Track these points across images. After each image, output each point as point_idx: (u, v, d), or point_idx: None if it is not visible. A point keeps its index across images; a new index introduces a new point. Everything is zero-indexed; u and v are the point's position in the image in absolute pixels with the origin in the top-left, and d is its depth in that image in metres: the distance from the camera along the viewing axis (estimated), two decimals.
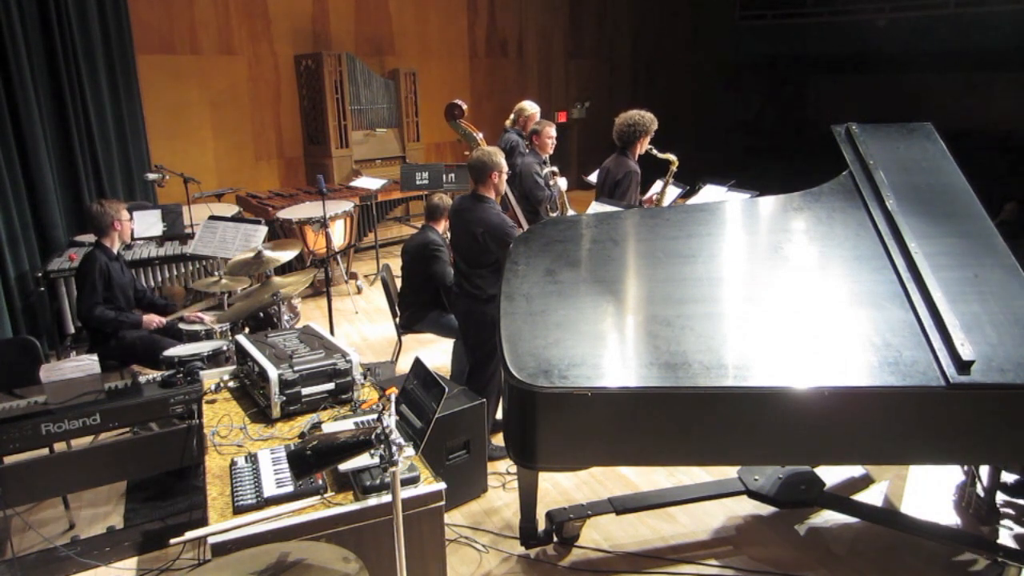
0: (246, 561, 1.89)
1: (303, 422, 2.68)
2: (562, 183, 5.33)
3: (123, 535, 3.27)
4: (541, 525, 3.16)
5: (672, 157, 4.79)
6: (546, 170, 5.23)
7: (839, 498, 3.36)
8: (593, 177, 5.36)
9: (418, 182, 7.23)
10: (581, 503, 3.28)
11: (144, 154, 6.90)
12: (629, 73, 13.07)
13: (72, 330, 5.04)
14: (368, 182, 7.51)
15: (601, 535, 3.27)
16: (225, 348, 3.70)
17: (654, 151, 4.76)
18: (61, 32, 5.81)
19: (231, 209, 6.63)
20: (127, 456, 3.27)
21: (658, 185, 4.94)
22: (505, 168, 3.82)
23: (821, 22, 11.91)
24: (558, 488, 3.65)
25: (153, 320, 4.19)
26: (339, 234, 6.71)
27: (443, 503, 2.29)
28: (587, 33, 12.25)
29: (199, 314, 4.35)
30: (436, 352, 5.21)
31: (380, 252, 7.63)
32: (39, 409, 3.12)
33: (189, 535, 2.14)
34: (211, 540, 2.05)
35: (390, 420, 1.93)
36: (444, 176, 7.18)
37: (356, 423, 2.58)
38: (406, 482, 2.23)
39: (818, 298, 2.64)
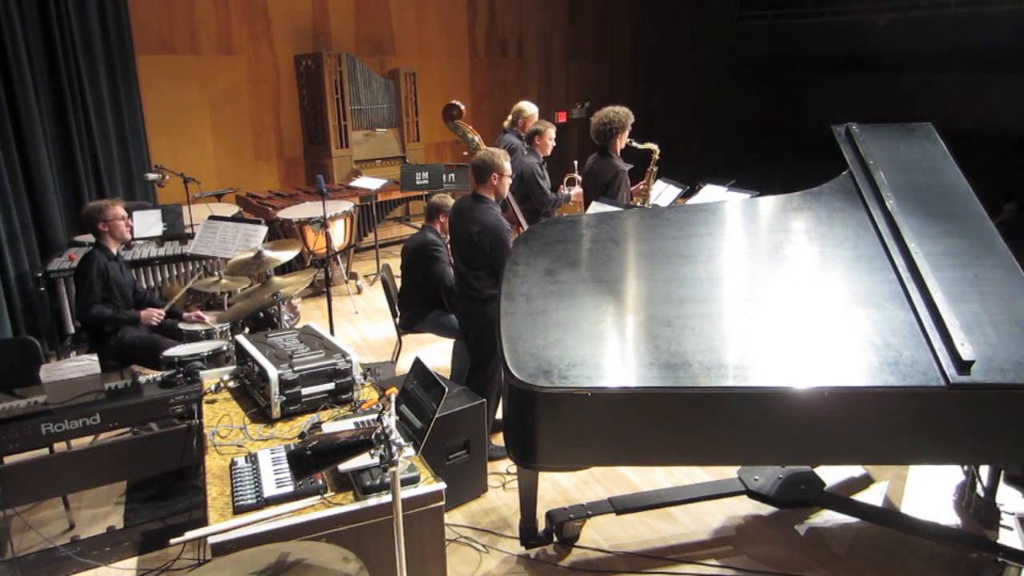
0: (246, 561, 1.89)
1: (303, 422, 2.68)
2: (576, 190, 5.33)
3: (123, 535, 3.27)
4: (541, 525, 3.16)
5: (653, 146, 4.79)
6: (568, 177, 5.23)
7: (839, 498, 3.36)
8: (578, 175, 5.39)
9: (418, 182, 7.23)
10: (581, 503, 3.28)
11: (144, 154, 6.90)
12: (629, 73, 13.05)
13: (72, 330, 5.04)
14: (368, 182, 7.51)
15: (601, 535, 3.27)
16: (225, 348, 3.70)
17: (634, 143, 4.78)
18: (61, 32, 5.81)
19: (231, 209, 6.63)
20: (127, 456, 3.28)
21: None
22: (508, 171, 3.80)
23: (821, 22, 11.89)
24: (558, 488, 3.65)
25: (152, 315, 4.09)
26: (339, 234, 6.71)
27: (443, 503, 2.29)
28: (587, 33, 12.24)
29: (199, 313, 4.35)
30: (436, 352, 5.21)
31: (380, 252, 7.63)
32: (39, 409, 3.12)
33: (189, 535, 2.14)
34: (211, 540, 2.05)
35: (390, 420, 1.92)
36: (444, 176, 7.18)
37: (356, 423, 2.58)
38: (406, 482, 2.23)
39: (818, 298, 2.64)
